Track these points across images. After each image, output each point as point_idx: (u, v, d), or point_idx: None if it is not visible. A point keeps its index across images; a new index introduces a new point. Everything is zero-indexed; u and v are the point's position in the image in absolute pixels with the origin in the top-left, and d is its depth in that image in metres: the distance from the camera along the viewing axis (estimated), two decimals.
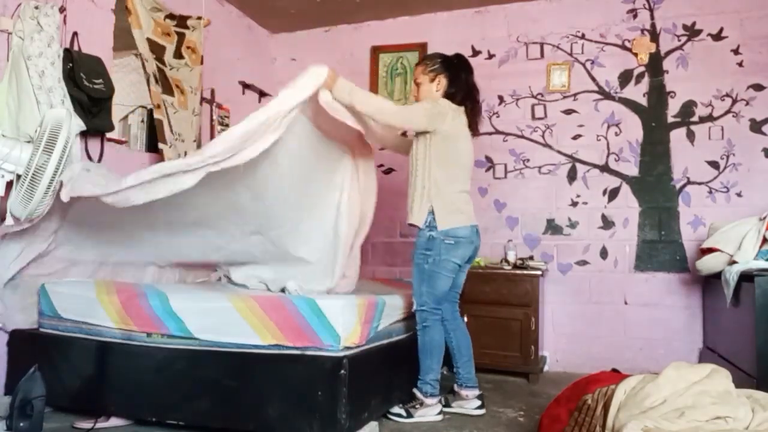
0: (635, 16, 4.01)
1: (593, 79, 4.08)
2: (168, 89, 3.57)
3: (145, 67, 3.43)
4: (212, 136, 4.12)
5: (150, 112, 3.53)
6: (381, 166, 4.53)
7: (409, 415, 2.72)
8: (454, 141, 2.71)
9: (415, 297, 2.78)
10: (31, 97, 2.63)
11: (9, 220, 2.52)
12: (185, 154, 3.67)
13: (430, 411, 2.74)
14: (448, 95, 2.76)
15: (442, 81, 2.76)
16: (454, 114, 2.72)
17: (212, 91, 4.10)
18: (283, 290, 2.87)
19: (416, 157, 2.74)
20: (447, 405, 2.87)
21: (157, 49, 3.56)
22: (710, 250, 3.28)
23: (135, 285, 2.87)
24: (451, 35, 4.41)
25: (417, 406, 2.75)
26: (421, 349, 2.76)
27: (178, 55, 3.71)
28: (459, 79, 2.76)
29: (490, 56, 4.31)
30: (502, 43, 4.29)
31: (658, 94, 3.95)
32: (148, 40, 3.50)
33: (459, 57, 2.85)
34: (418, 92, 2.83)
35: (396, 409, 2.74)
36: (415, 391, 2.79)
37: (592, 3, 4.11)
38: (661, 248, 3.87)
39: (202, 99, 3.93)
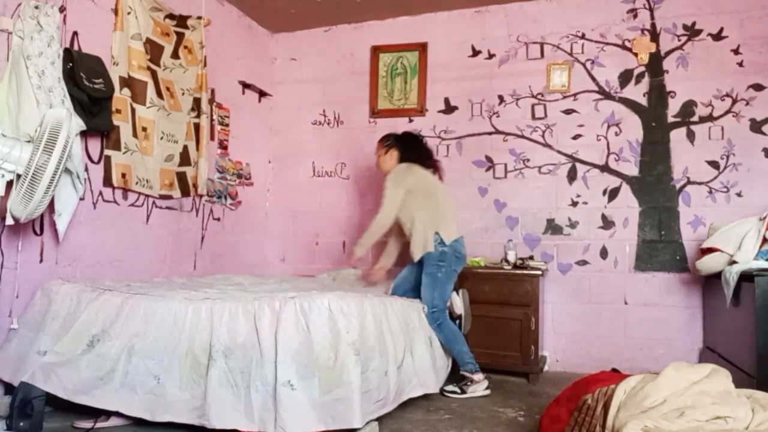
0: (635, 16, 4.01)
1: (593, 79, 4.08)
2: (159, 92, 3.56)
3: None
4: (212, 136, 4.12)
5: None
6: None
7: (463, 392, 3.20)
8: (424, 193, 3.31)
9: (425, 302, 3.24)
10: (31, 96, 2.63)
11: (9, 220, 2.52)
12: (179, 154, 3.70)
13: (479, 387, 3.22)
14: (403, 160, 3.42)
15: (394, 153, 3.45)
16: (410, 170, 3.36)
17: (212, 91, 4.10)
18: None
19: (405, 214, 3.30)
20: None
21: (154, 50, 3.56)
22: (710, 250, 3.28)
23: None
24: (451, 35, 4.41)
25: (468, 383, 3.23)
26: (447, 341, 3.26)
27: (175, 55, 3.71)
28: (408, 149, 3.46)
29: (490, 56, 4.31)
30: (502, 43, 4.29)
31: (658, 94, 3.95)
32: (148, 39, 3.50)
33: (406, 133, 3.62)
34: (378, 161, 3.55)
35: (451, 387, 3.22)
36: (463, 372, 3.26)
37: (592, 3, 4.10)
38: (661, 248, 3.87)
39: (208, 101, 3.92)
